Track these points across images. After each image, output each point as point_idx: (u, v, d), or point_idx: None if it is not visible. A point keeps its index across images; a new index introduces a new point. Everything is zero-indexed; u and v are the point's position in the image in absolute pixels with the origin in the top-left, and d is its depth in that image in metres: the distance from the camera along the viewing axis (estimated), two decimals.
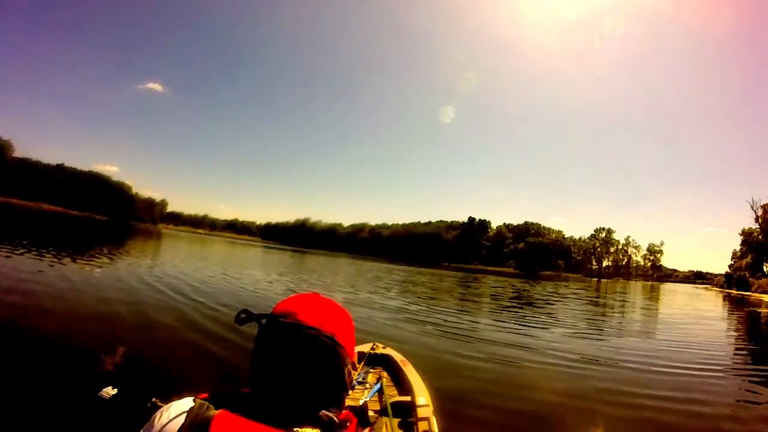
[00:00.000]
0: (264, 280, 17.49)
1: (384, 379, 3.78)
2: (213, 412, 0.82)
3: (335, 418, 0.88)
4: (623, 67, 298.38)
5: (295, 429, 0.82)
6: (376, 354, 4.27)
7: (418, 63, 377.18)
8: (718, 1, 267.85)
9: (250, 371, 0.96)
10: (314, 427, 0.84)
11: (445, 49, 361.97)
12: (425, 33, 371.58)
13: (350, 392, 1.03)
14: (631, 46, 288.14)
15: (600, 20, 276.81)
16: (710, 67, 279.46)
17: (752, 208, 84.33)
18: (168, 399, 1.11)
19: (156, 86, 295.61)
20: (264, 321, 0.97)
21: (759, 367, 8.74)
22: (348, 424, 0.89)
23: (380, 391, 3.49)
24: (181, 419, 0.83)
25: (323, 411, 0.87)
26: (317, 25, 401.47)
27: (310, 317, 0.93)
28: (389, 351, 4.37)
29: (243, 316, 0.99)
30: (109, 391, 1.54)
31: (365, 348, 4.32)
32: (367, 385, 3.53)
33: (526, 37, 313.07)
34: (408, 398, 3.42)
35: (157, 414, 0.89)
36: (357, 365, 0.82)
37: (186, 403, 0.87)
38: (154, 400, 1.35)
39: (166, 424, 0.84)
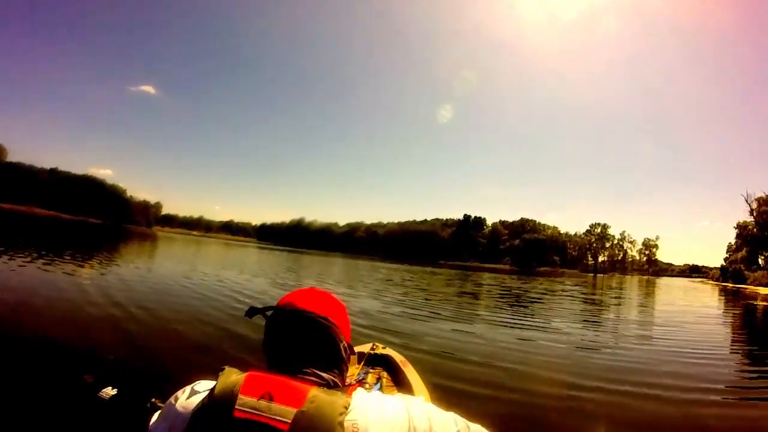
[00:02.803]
0: (233, 280, 17.15)
1: (384, 380, 3.76)
2: (242, 374, 1.00)
3: (339, 382, 1.12)
4: (620, 66, 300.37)
5: (310, 378, 1.05)
6: (375, 354, 4.23)
7: (415, 62, 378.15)
8: (714, 0, 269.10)
9: (265, 354, 1.17)
10: (321, 384, 1.03)
11: (442, 48, 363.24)
12: (422, 32, 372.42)
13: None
14: (628, 45, 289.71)
15: (597, 19, 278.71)
16: (706, 65, 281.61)
17: (747, 201, 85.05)
18: (168, 399, 1.15)
19: (149, 89, 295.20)
20: (269, 313, 1.20)
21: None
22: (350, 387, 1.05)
23: (379, 391, 3.46)
24: (209, 384, 1.03)
25: (326, 374, 1.09)
26: (312, 25, 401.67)
27: (307, 305, 1.15)
28: (389, 351, 4.34)
29: (251, 311, 1.25)
30: (109, 391, 1.54)
31: (365, 348, 4.28)
32: (367, 386, 3.48)
33: (524, 37, 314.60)
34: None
35: (181, 390, 1.07)
36: (357, 363, 1.20)
37: (208, 382, 1.06)
38: (153, 400, 1.42)
39: (192, 393, 1.04)
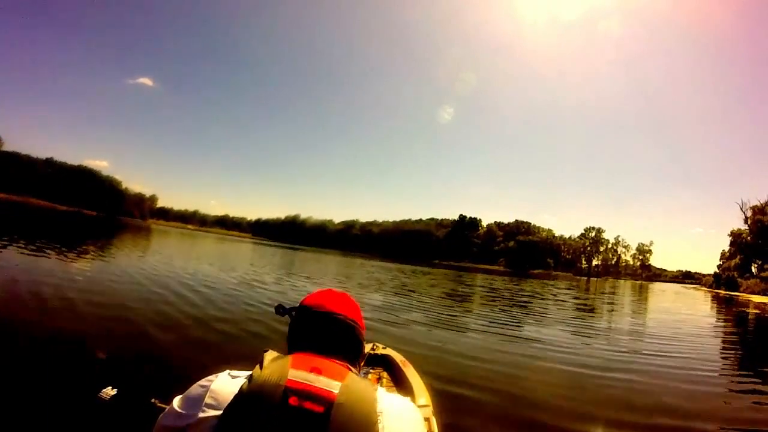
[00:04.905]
0: (232, 278, 17.16)
1: (384, 380, 3.76)
2: (287, 356, 1.11)
3: (360, 373, 1.22)
4: (618, 68, 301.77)
5: (343, 362, 1.17)
6: (376, 354, 4.23)
7: (414, 62, 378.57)
8: (714, 3, 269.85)
9: (290, 352, 1.22)
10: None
11: (442, 48, 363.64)
12: (422, 32, 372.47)
13: None
14: (626, 47, 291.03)
15: (597, 21, 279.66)
16: (705, 69, 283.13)
17: (741, 209, 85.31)
18: (168, 399, 1.18)
19: (147, 81, 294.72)
20: (294, 313, 1.34)
21: None
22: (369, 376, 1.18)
23: None
24: (242, 371, 1.11)
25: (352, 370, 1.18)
26: (311, 23, 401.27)
27: (336, 307, 1.30)
28: (389, 351, 4.33)
29: (281, 310, 1.42)
30: (109, 391, 1.54)
31: (365, 348, 4.27)
32: None
33: (524, 38, 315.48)
34: (408, 399, 3.39)
35: (213, 377, 1.12)
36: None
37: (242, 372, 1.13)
38: (153, 400, 1.44)
39: (223, 376, 1.11)
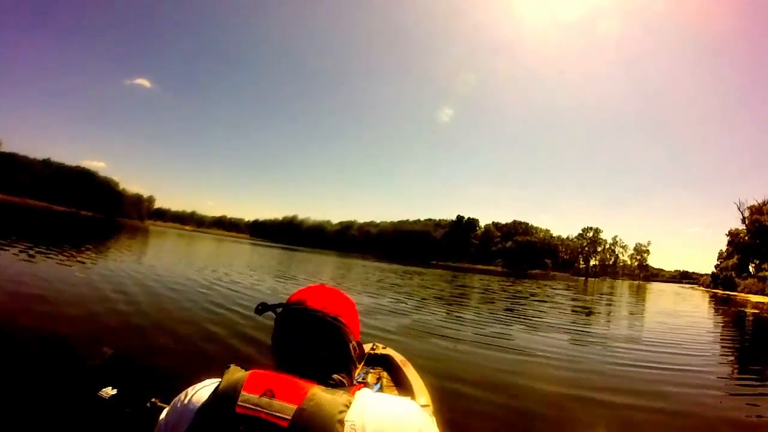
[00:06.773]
0: (232, 279, 17.12)
1: (384, 380, 3.77)
2: (246, 372, 1.01)
3: (346, 382, 1.10)
4: (618, 68, 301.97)
5: (315, 377, 1.03)
6: (376, 354, 4.24)
7: (413, 62, 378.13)
8: (714, 3, 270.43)
9: (273, 352, 1.15)
10: (329, 385, 1.02)
11: (442, 48, 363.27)
12: (422, 32, 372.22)
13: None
14: (626, 47, 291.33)
15: (597, 21, 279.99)
16: (703, 69, 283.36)
17: (739, 209, 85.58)
18: (168, 399, 1.15)
19: (144, 82, 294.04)
20: (279, 310, 1.18)
21: None
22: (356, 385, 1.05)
23: (380, 392, 3.45)
24: (214, 383, 1.03)
25: (334, 374, 1.08)
26: (311, 22, 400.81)
27: (316, 303, 1.13)
28: (389, 351, 4.34)
29: (260, 308, 1.22)
30: (109, 391, 1.53)
31: (365, 348, 4.27)
32: (367, 386, 3.49)
33: (524, 38, 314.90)
34: (408, 398, 3.39)
35: (188, 389, 1.08)
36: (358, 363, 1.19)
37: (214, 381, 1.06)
38: (153, 400, 1.41)
39: (199, 390, 1.05)
